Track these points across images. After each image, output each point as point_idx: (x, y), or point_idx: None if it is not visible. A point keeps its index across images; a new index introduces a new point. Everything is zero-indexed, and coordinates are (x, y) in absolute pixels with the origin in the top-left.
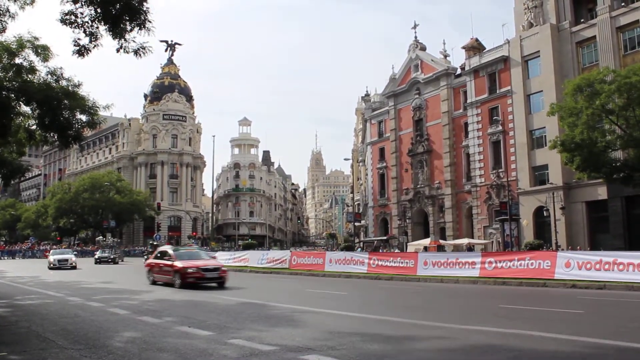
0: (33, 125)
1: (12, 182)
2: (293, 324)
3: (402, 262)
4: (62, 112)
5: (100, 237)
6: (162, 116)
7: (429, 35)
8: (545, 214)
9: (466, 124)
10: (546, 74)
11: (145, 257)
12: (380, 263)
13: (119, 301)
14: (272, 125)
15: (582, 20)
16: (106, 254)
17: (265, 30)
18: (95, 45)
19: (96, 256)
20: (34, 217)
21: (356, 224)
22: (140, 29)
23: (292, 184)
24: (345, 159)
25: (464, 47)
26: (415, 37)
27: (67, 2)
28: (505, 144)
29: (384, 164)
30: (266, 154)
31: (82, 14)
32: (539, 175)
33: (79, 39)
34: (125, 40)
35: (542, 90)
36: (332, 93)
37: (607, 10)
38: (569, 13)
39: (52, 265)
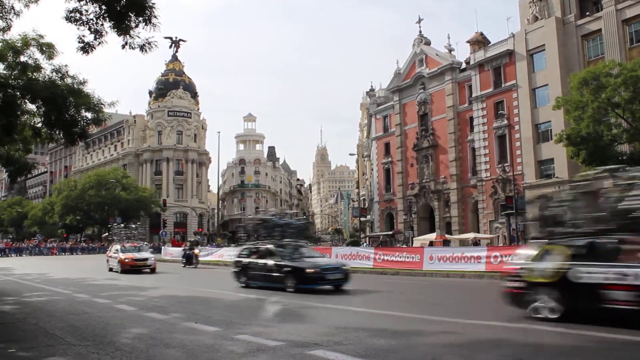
0: (39, 122)
1: (19, 179)
2: (299, 319)
3: (408, 257)
4: (68, 109)
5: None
6: (167, 113)
7: (434, 29)
8: None
9: (471, 118)
10: (551, 67)
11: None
12: (386, 258)
13: (125, 298)
14: (277, 121)
15: (587, 13)
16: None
17: (270, 27)
18: (100, 42)
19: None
20: (40, 214)
21: (362, 219)
22: (146, 24)
23: (298, 179)
24: (350, 154)
25: (468, 42)
26: (420, 31)
27: None
28: (511, 138)
29: (389, 159)
30: (271, 150)
31: (87, 11)
32: (544, 169)
33: (83, 36)
34: (130, 36)
35: (547, 84)
36: (337, 88)
37: (612, 3)
38: (574, 6)
39: None
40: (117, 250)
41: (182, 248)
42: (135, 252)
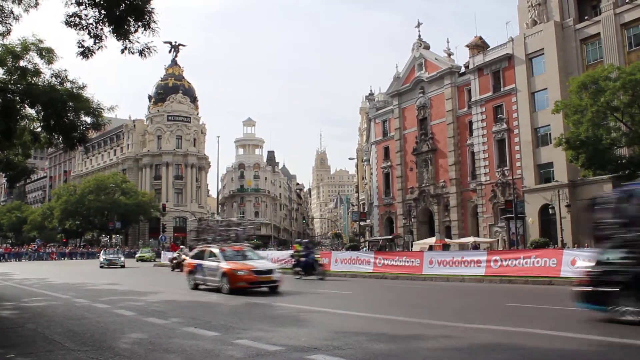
0: (38, 127)
1: (18, 184)
2: (299, 323)
3: (407, 261)
4: (67, 114)
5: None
6: (166, 117)
7: (433, 33)
8: (550, 212)
9: (471, 123)
10: (550, 71)
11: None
12: (385, 262)
13: (125, 302)
14: (276, 125)
15: (586, 17)
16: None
17: (269, 30)
18: (99, 47)
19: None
20: (39, 219)
21: (361, 223)
22: (145, 29)
23: (297, 183)
24: (349, 159)
25: (467, 46)
26: (419, 35)
27: (71, 4)
28: (510, 142)
29: (389, 163)
30: (271, 154)
31: (86, 15)
32: (544, 173)
33: (83, 40)
34: (129, 41)
35: (546, 88)
36: (337, 92)
37: (611, 7)
38: (573, 10)
39: None
40: (212, 256)
41: (292, 253)
42: (239, 258)
